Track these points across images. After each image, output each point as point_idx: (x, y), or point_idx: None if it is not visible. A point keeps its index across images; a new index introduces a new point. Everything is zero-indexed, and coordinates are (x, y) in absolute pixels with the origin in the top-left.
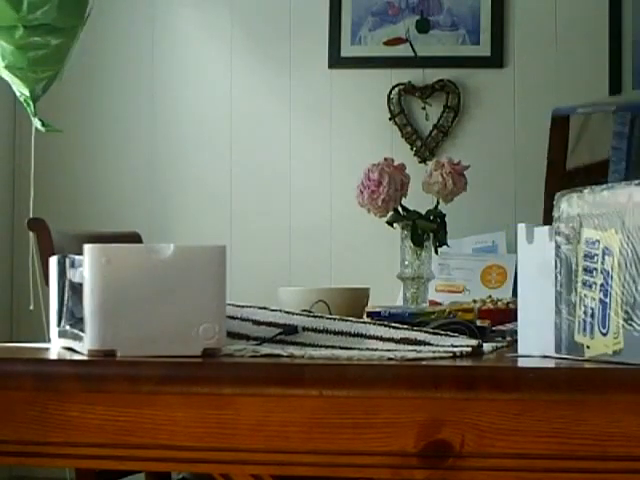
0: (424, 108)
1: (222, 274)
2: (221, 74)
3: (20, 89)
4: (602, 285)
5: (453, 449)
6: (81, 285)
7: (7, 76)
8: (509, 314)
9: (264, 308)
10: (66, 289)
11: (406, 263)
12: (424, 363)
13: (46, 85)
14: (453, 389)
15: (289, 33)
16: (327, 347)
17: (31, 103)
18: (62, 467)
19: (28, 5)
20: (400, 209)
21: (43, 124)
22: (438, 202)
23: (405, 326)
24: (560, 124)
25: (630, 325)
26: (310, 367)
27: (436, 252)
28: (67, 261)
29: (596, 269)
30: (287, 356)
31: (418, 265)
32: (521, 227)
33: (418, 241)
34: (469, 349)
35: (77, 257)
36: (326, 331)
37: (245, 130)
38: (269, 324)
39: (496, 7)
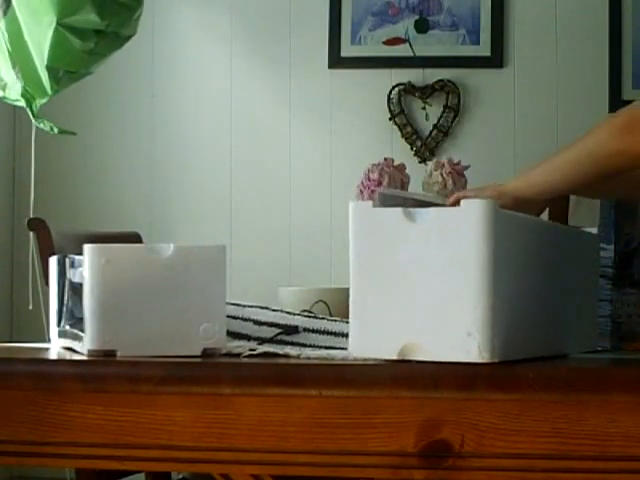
0: (424, 108)
1: (222, 274)
2: (221, 74)
3: (35, 91)
4: None
5: (453, 449)
6: (81, 285)
7: (16, 74)
8: None
9: (265, 308)
10: (66, 289)
11: None
12: (424, 363)
13: None
14: (453, 389)
15: (289, 33)
16: (327, 348)
17: (37, 105)
18: (62, 467)
19: (112, 13)
20: None
21: (53, 127)
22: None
23: None
24: None
25: None
26: (310, 367)
27: None
28: (67, 261)
29: None
30: (283, 355)
31: None
32: None
33: None
34: None
35: (77, 257)
36: (327, 332)
37: (245, 130)
38: (270, 324)
39: (496, 7)
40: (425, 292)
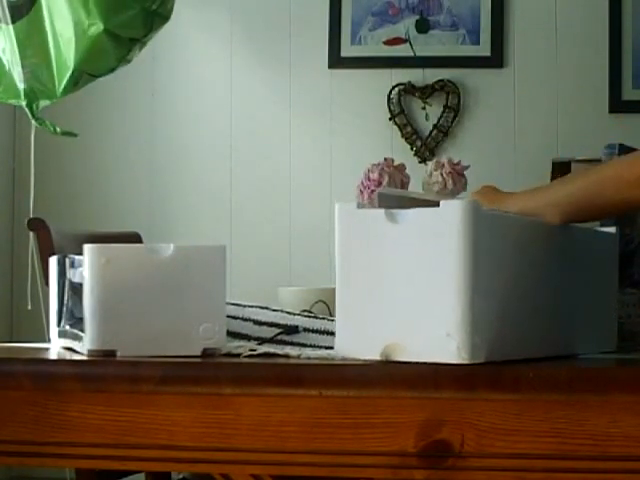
0: (424, 108)
1: (222, 274)
2: (221, 74)
3: (40, 92)
4: None
5: (453, 449)
6: (81, 285)
7: (24, 74)
8: None
9: (265, 308)
10: (66, 289)
11: None
12: (424, 363)
13: None
14: (453, 389)
15: (289, 33)
16: (327, 348)
17: (38, 106)
18: (62, 467)
19: (153, 24)
20: None
21: (55, 128)
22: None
23: None
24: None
25: None
26: (310, 367)
27: None
28: (67, 261)
29: None
30: (283, 355)
31: None
32: None
33: None
34: None
35: (77, 257)
36: (327, 332)
37: (245, 130)
38: (270, 324)
39: (496, 7)
40: (407, 292)
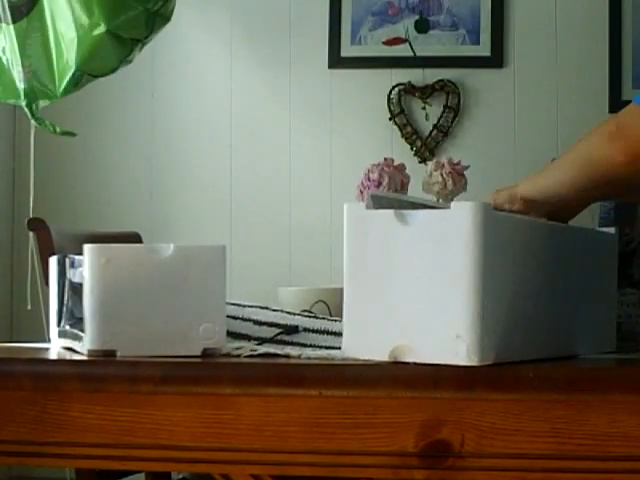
0: (424, 108)
1: (222, 274)
2: (221, 74)
3: (40, 92)
4: None
5: (453, 449)
6: (81, 285)
7: (25, 73)
8: None
9: (265, 308)
10: (66, 289)
11: None
12: (424, 363)
13: None
14: (453, 389)
15: (289, 33)
16: (327, 348)
17: (37, 106)
18: (62, 467)
19: (155, 25)
20: None
21: (55, 128)
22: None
23: None
24: None
25: None
26: (310, 367)
27: None
28: (67, 261)
29: None
30: (284, 356)
31: None
32: None
33: None
34: None
35: (77, 257)
36: (327, 332)
37: (245, 130)
38: (270, 324)
39: (496, 7)
40: (416, 294)
